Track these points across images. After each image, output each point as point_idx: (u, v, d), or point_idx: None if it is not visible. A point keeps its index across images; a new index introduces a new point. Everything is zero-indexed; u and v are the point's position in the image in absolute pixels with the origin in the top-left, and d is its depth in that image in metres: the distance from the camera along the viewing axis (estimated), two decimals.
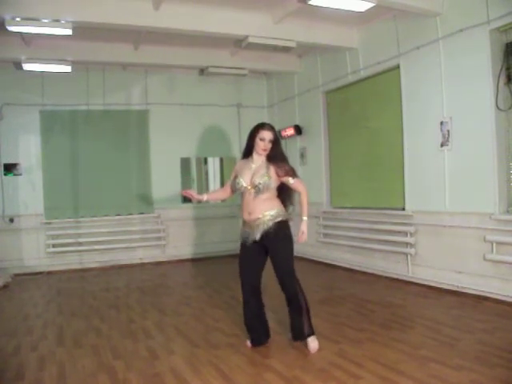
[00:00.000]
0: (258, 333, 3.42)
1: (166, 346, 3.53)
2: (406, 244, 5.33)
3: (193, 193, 3.48)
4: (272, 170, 3.24)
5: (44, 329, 4.11)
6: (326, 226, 6.87)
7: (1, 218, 6.79)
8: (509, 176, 4.37)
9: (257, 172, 3.24)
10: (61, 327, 4.14)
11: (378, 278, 5.70)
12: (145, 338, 3.72)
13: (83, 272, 6.97)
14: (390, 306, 4.44)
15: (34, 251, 6.92)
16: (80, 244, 7.10)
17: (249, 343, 3.44)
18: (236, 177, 3.33)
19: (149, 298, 5.20)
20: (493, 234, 4.34)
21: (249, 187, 3.23)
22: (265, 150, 3.25)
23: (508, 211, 4.34)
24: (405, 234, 5.34)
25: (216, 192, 3.71)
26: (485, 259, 4.40)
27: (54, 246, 6.99)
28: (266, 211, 3.21)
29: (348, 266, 6.33)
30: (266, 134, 3.25)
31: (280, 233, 3.21)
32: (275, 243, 3.22)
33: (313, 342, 3.28)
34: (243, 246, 3.34)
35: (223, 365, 3.10)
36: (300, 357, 3.18)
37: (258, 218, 3.21)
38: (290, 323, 3.38)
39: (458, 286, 4.70)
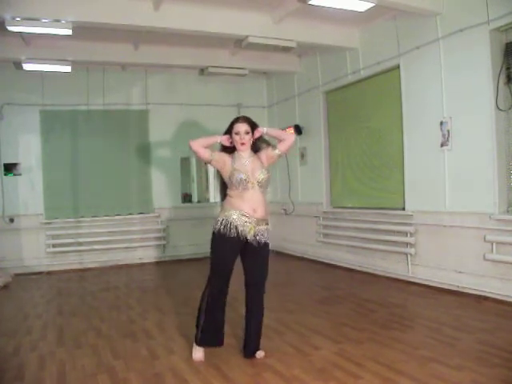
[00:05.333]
0: (217, 335, 3.24)
1: (166, 346, 3.53)
2: (406, 244, 5.33)
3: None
4: (265, 163, 3.18)
5: (44, 329, 4.11)
6: (325, 226, 6.87)
7: (1, 218, 6.80)
8: (509, 176, 4.37)
9: (255, 167, 3.12)
10: (61, 327, 4.13)
11: (378, 278, 5.70)
12: (145, 338, 3.73)
13: (83, 272, 6.97)
14: (390, 305, 4.44)
15: (34, 251, 6.92)
16: (80, 244, 7.10)
17: (198, 353, 3.22)
18: (233, 172, 3.07)
19: (149, 297, 5.20)
20: (493, 233, 4.34)
21: (251, 181, 3.07)
22: (243, 144, 3.11)
23: (508, 211, 4.34)
24: (405, 233, 5.34)
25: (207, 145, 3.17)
26: (485, 259, 4.40)
27: (54, 245, 6.99)
28: (266, 216, 3.15)
29: (348, 265, 6.32)
30: (240, 127, 3.12)
31: (266, 241, 3.15)
32: (261, 248, 3.13)
33: (260, 354, 3.21)
34: (225, 236, 3.04)
35: (223, 365, 3.10)
36: (300, 357, 3.18)
37: (263, 219, 3.12)
38: (248, 336, 3.21)
39: (458, 286, 4.70)
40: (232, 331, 3.80)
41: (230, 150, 3.21)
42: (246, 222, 3.06)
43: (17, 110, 6.84)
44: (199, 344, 3.22)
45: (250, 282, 3.18)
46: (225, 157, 3.17)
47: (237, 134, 3.13)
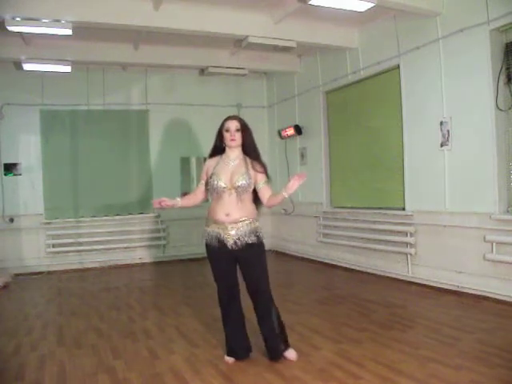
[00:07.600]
0: (241, 345, 3.17)
1: (166, 346, 3.53)
2: (406, 244, 5.33)
3: (166, 200, 3.06)
4: (251, 168, 3.03)
5: (44, 329, 4.11)
6: (325, 226, 6.86)
7: (1, 217, 6.80)
8: (509, 176, 4.37)
9: (237, 171, 3.00)
10: (61, 327, 4.14)
11: (378, 277, 5.69)
12: (145, 338, 3.73)
13: (83, 272, 6.97)
14: (390, 305, 4.44)
15: (34, 251, 6.92)
16: (80, 244, 7.10)
17: (229, 359, 3.15)
18: (211, 176, 3.02)
19: (149, 297, 5.20)
20: (493, 233, 4.34)
21: (228, 188, 2.97)
22: (233, 140, 3.01)
23: (508, 211, 4.34)
24: (405, 233, 5.34)
25: (189, 197, 3.26)
26: (485, 259, 4.40)
27: (54, 245, 6.99)
28: (244, 216, 2.98)
29: (348, 265, 6.32)
30: (231, 124, 3.04)
31: (255, 243, 2.99)
32: (250, 255, 3.00)
33: (290, 353, 3.12)
34: (212, 247, 3.03)
35: (223, 365, 3.10)
36: (300, 357, 3.17)
37: (238, 221, 2.96)
38: (265, 342, 3.14)
39: (457, 286, 4.70)
40: None
41: (220, 151, 3.13)
42: (219, 228, 2.99)
43: (17, 110, 6.84)
44: (227, 354, 3.19)
45: (249, 290, 3.08)
46: (209, 163, 3.14)
47: (227, 131, 3.04)
